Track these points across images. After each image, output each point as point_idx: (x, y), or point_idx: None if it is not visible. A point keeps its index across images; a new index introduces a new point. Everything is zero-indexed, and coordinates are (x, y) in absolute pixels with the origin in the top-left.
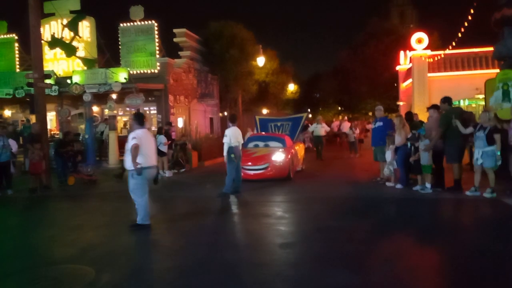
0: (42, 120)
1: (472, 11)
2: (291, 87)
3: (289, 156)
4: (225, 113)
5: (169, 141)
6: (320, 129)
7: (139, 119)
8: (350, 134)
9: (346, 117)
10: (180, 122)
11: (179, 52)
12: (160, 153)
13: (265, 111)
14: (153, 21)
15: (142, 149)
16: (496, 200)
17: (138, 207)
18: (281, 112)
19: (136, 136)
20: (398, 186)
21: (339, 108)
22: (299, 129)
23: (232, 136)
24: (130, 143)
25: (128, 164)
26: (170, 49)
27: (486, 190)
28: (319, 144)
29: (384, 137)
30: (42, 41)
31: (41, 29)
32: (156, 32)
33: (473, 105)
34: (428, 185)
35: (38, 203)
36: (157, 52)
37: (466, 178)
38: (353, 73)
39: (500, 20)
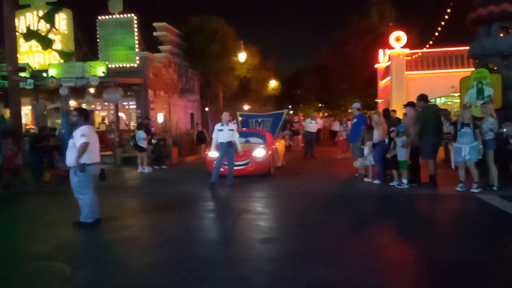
0: (17, 115)
1: (448, 10)
2: (272, 83)
3: (270, 152)
4: (206, 109)
5: (149, 136)
6: (314, 125)
7: (85, 115)
8: (341, 131)
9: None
10: (160, 118)
11: (159, 47)
12: (139, 148)
13: (246, 107)
14: (132, 15)
15: (88, 146)
16: (470, 195)
17: (81, 205)
18: (262, 108)
19: (85, 134)
20: (376, 181)
21: (320, 105)
22: (280, 125)
23: None
24: (79, 141)
25: (70, 161)
26: (150, 43)
27: (472, 185)
28: (309, 141)
29: (359, 133)
30: (17, 33)
31: (16, 20)
32: (135, 26)
33: (449, 103)
34: (404, 180)
35: (12, 199)
36: (137, 46)
37: (441, 174)
38: (333, 70)
39: (475, 19)
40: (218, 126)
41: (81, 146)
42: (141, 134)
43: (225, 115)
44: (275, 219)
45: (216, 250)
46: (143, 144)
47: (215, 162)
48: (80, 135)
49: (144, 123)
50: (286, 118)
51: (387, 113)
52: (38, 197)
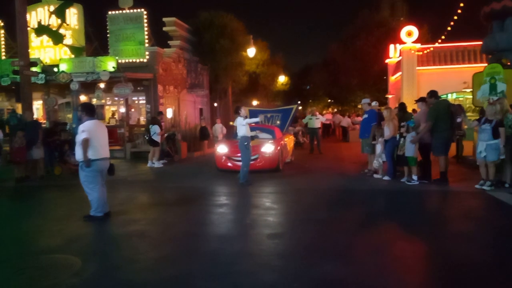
0: (28, 109)
1: (461, 4)
2: (282, 79)
3: (279, 148)
4: (215, 104)
5: (162, 131)
6: (315, 120)
7: (88, 110)
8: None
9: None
10: (169, 113)
11: (169, 42)
12: (153, 143)
13: (255, 102)
14: (142, 10)
15: (92, 141)
16: (480, 192)
17: (90, 199)
18: (271, 103)
19: (85, 129)
20: (386, 178)
21: (329, 100)
22: (289, 120)
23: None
24: (80, 136)
25: (78, 156)
26: (159, 38)
27: (486, 183)
28: (314, 137)
29: (370, 129)
30: (29, 28)
31: (28, 15)
32: (145, 21)
33: (461, 99)
34: (414, 177)
35: (24, 193)
36: (146, 41)
37: (452, 170)
38: (343, 65)
39: (489, 14)
40: (243, 120)
41: (81, 142)
42: (156, 128)
43: (244, 109)
44: (284, 214)
45: (225, 245)
46: (157, 138)
47: (245, 157)
48: (81, 131)
49: (158, 117)
50: (295, 114)
51: (403, 107)
52: (49, 191)
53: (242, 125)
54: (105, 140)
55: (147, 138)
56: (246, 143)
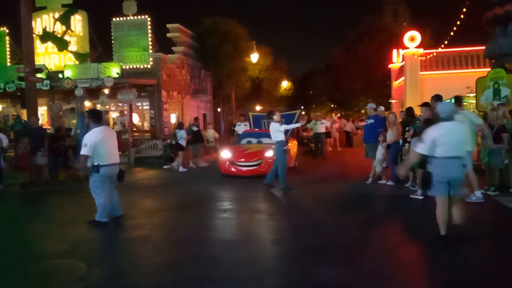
0: (34, 115)
1: (464, 10)
2: (285, 84)
3: None
4: (218, 109)
5: (189, 136)
6: (320, 125)
7: (95, 116)
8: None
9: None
10: (173, 118)
11: (172, 48)
12: (179, 147)
13: (258, 107)
14: (146, 16)
15: (99, 148)
16: (485, 197)
17: (97, 204)
18: (275, 109)
19: (87, 142)
20: (390, 183)
21: (332, 105)
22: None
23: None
24: (81, 151)
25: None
26: (163, 44)
27: (490, 188)
28: (318, 142)
29: (375, 135)
30: (34, 35)
31: (33, 22)
32: (149, 27)
33: (464, 103)
34: (419, 182)
35: (28, 198)
36: (150, 47)
37: None
38: (346, 70)
39: (492, 19)
40: (279, 125)
41: (81, 159)
42: (182, 133)
43: (278, 114)
44: (287, 219)
45: (228, 250)
46: (183, 143)
47: (282, 161)
48: (83, 144)
49: (195, 123)
50: (298, 119)
51: (411, 112)
52: (54, 196)
53: (279, 131)
54: (114, 146)
55: (174, 143)
56: (284, 148)
